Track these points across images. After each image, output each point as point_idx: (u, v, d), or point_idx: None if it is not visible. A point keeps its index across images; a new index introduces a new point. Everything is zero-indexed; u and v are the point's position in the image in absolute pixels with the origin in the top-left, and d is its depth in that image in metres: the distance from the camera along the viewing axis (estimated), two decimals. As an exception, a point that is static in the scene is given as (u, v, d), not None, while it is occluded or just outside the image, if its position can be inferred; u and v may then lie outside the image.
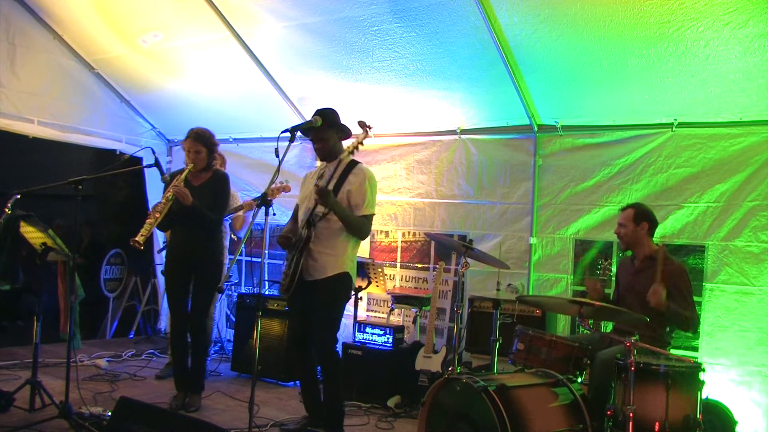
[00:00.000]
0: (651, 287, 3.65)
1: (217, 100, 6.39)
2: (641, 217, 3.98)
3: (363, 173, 3.87)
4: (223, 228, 5.02)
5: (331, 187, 3.79)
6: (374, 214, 3.91)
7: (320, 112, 3.89)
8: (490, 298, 4.49)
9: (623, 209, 4.10)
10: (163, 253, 6.66)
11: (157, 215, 4.19)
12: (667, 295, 3.66)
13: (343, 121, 3.96)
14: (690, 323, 3.77)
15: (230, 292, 6.77)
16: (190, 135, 4.48)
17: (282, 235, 3.98)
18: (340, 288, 3.87)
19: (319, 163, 4.26)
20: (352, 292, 4.00)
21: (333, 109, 3.96)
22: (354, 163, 3.93)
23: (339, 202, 3.75)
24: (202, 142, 4.47)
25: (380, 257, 5.98)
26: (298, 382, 5.41)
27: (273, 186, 5.08)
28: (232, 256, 4.77)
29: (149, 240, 7.03)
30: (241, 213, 5.64)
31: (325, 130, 3.87)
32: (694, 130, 4.61)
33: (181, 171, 4.45)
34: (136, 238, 4.07)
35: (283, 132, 3.41)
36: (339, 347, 5.45)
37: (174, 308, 4.60)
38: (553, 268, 5.14)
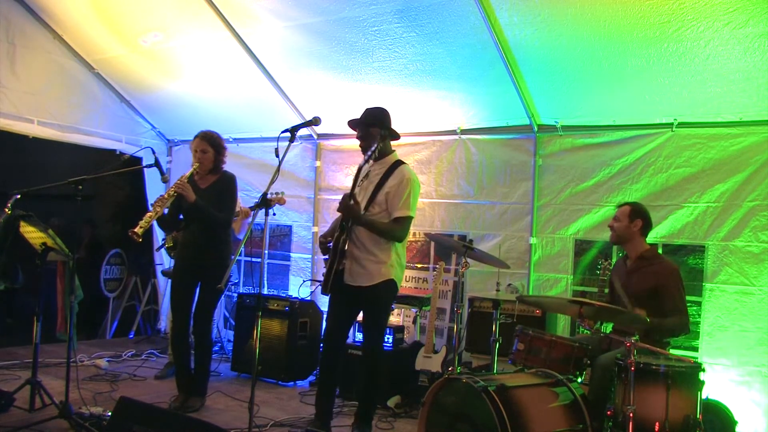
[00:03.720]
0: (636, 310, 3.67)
1: (217, 100, 6.38)
2: (636, 214, 4.00)
3: (402, 174, 3.85)
4: (231, 230, 4.99)
5: (371, 189, 3.85)
6: (412, 217, 3.86)
7: (368, 111, 3.93)
8: (490, 298, 4.48)
9: (620, 205, 4.13)
10: (162, 251, 6.68)
11: (158, 209, 4.16)
12: (655, 295, 3.76)
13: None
14: (677, 329, 3.79)
15: (230, 293, 6.77)
16: (197, 135, 4.51)
17: (322, 236, 4.04)
18: (386, 295, 3.93)
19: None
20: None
21: (382, 109, 3.97)
22: (397, 164, 3.92)
23: (363, 216, 3.78)
24: (208, 141, 4.47)
25: (380, 257, 5.97)
26: (298, 382, 5.44)
27: (270, 197, 4.99)
28: (232, 257, 4.76)
29: (149, 239, 7.10)
30: (238, 219, 5.57)
31: (367, 128, 3.90)
32: (694, 130, 4.61)
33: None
34: (135, 230, 3.99)
35: (283, 132, 3.40)
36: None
37: (177, 309, 4.58)
38: (553, 268, 5.14)
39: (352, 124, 4.00)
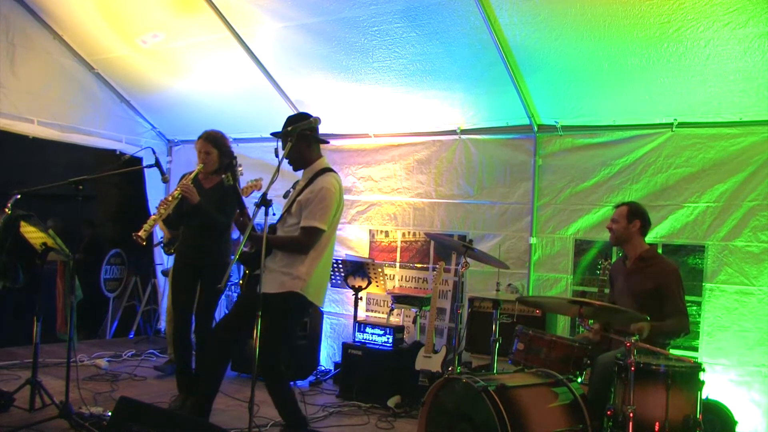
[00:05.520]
0: (634, 326, 3.61)
1: (217, 100, 6.38)
2: (634, 215, 3.99)
3: (320, 184, 3.58)
4: (231, 231, 4.96)
5: (290, 199, 3.69)
6: (319, 228, 3.52)
7: (287, 119, 3.68)
8: (490, 298, 4.48)
9: (617, 206, 4.12)
10: (161, 247, 6.68)
11: (161, 211, 4.16)
12: (656, 296, 3.79)
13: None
14: (679, 330, 3.80)
15: (230, 292, 6.77)
16: (201, 135, 4.49)
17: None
18: (285, 307, 3.62)
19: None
20: (303, 317, 3.75)
21: (297, 115, 3.72)
22: (320, 173, 3.65)
23: (269, 238, 3.50)
24: (213, 143, 4.46)
25: (380, 257, 5.98)
26: (298, 382, 5.45)
27: (245, 184, 4.87)
28: (232, 256, 4.76)
29: (149, 238, 7.07)
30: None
31: (286, 138, 3.53)
32: (694, 130, 4.61)
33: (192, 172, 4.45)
34: (139, 233, 4.00)
35: (275, 133, 3.47)
36: (340, 351, 5.46)
37: (179, 309, 4.58)
38: (553, 268, 5.14)
39: (275, 135, 3.65)
